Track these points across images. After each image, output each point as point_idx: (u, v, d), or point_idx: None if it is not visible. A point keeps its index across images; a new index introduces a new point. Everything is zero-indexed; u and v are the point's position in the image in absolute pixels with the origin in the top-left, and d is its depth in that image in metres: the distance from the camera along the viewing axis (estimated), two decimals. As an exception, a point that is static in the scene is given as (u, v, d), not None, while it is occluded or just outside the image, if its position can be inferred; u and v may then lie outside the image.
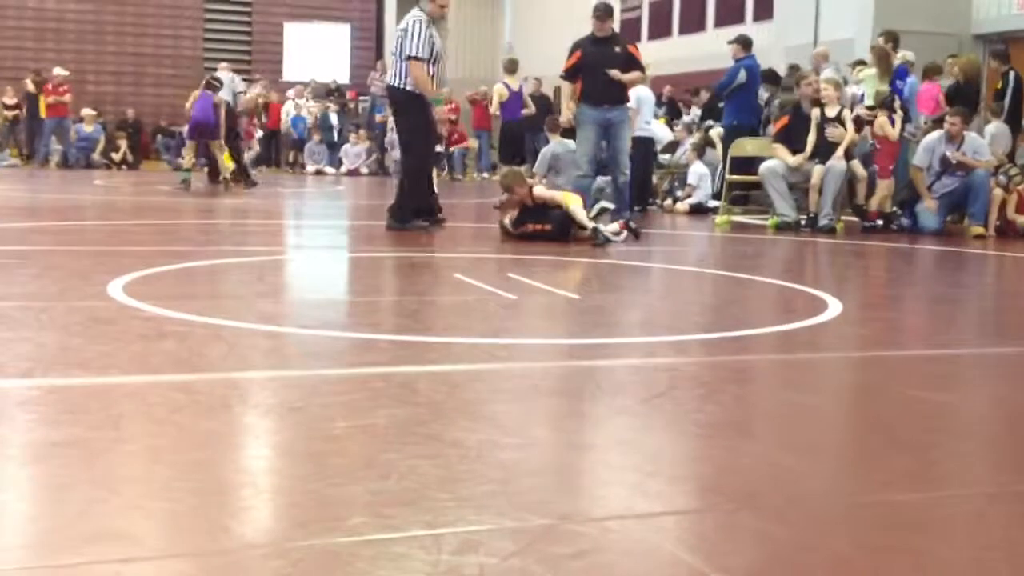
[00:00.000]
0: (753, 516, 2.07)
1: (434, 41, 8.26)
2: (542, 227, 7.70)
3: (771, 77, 12.28)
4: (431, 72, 8.26)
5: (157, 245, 6.95)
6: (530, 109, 15.58)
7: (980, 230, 9.19)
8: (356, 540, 1.85)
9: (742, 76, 11.75)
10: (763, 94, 12.12)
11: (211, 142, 13.75)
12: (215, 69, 14.79)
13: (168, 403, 2.77)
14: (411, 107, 8.30)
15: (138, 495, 2.08)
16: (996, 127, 10.41)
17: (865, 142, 9.99)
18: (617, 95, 9.02)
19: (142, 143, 22.00)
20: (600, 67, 8.92)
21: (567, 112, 9.26)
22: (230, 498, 2.09)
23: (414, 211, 8.35)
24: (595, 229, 7.67)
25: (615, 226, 7.97)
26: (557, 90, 20.09)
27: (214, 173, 14.10)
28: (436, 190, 8.91)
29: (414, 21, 8.26)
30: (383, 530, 1.89)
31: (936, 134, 9.53)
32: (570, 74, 9.16)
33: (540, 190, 8.08)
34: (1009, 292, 6.39)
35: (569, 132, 10.52)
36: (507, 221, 7.80)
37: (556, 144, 11.06)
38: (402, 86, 8.24)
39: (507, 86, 15.12)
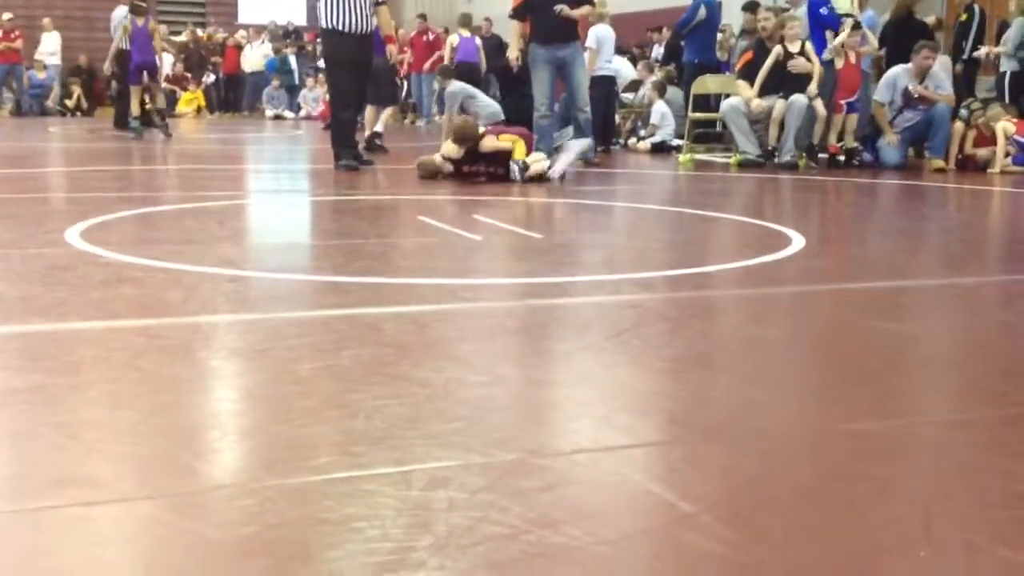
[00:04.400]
0: (720, 448, 2.09)
1: None
2: (493, 170, 7.74)
3: (752, 8, 12.13)
4: (344, 5, 8.27)
5: (114, 192, 6.85)
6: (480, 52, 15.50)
7: (940, 164, 9.26)
8: (325, 479, 1.84)
9: (702, 13, 11.67)
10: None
11: (153, 84, 12.94)
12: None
13: (129, 348, 2.74)
14: (337, 44, 8.40)
15: (101, 440, 2.06)
16: (941, 60, 10.42)
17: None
18: (568, 32, 8.95)
19: (96, 89, 21.62)
20: (550, 5, 8.82)
21: (514, 51, 9.16)
22: (196, 441, 2.07)
23: (346, 149, 8.49)
24: (548, 167, 7.72)
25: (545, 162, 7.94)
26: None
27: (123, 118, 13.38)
28: (373, 128, 9.01)
29: None
30: (352, 468, 1.88)
31: (898, 68, 9.55)
32: (518, 13, 9.03)
33: (488, 143, 7.99)
34: (967, 224, 6.45)
35: (509, 76, 10.48)
36: (452, 153, 7.79)
37: (451, 86, 11.05)
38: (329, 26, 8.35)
39: (460, 36, 15.23)
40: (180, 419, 2.20)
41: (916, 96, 9.29)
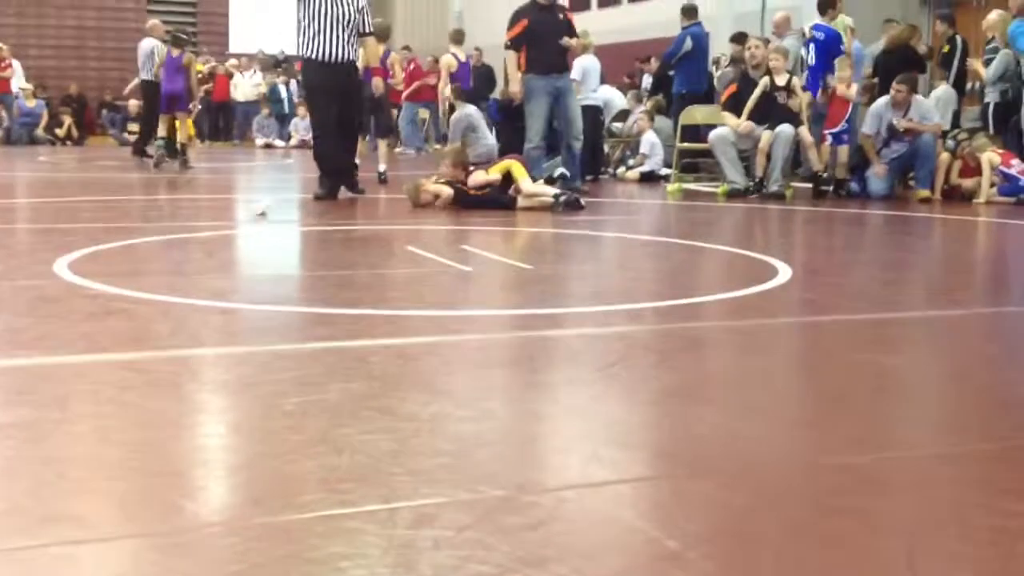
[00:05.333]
0: (708, 483, 2.09)
1: (317, 4, 8.19)
2: (483, 192, 7.82)
3: (740, 39, 12.20)
4: (323, 35, 8.19)
5: (104, 222, 6.85)
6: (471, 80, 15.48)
7: (926, 194, 9.31)
8: (310, 516, 1.84)
9: (688, 44, 11.78)
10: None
11: (179, 114, 12.91)
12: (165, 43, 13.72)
13: (117, 382, 2.73)
14: (314, 75, 8.43)
15: (88, 476, 2.06)
16: (943, 91, 10.52)
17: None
18: (564, 63, 9.09)
19: (87, 118, 21.64)
20: (548, 35, 8.87)
21: (516, 84, 9.15)
22: (182, 477, 2.07)
23: (329, 179, 8.45)
24: (556, 196, 7.73)
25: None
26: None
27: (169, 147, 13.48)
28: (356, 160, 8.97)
29: None
30: (337, 505, 1.88)
31: (883, 100, 9.62)
32: (516, 43, 9.05)
33: (476, 178, 8.03)
34: (953, 255, 6.48)
35: (509, 109, 10.51)
36: (520, 200, 7.82)
37: (460, 110, 11.22)
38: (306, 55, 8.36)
39: (455, 57, 14.99)
40: (166, 455, 2.19)
41: (902, 129, 9.36)
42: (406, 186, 8.13)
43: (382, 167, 10.68)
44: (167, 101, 12.46)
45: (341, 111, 8.41)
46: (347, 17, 8.25)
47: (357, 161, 9.11)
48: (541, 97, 8.98)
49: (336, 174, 8.53)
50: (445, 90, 14.38)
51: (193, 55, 13.39)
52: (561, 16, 9.26)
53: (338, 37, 8.23)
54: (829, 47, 9.82)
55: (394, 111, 17.77)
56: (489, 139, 11.00)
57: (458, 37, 15.10)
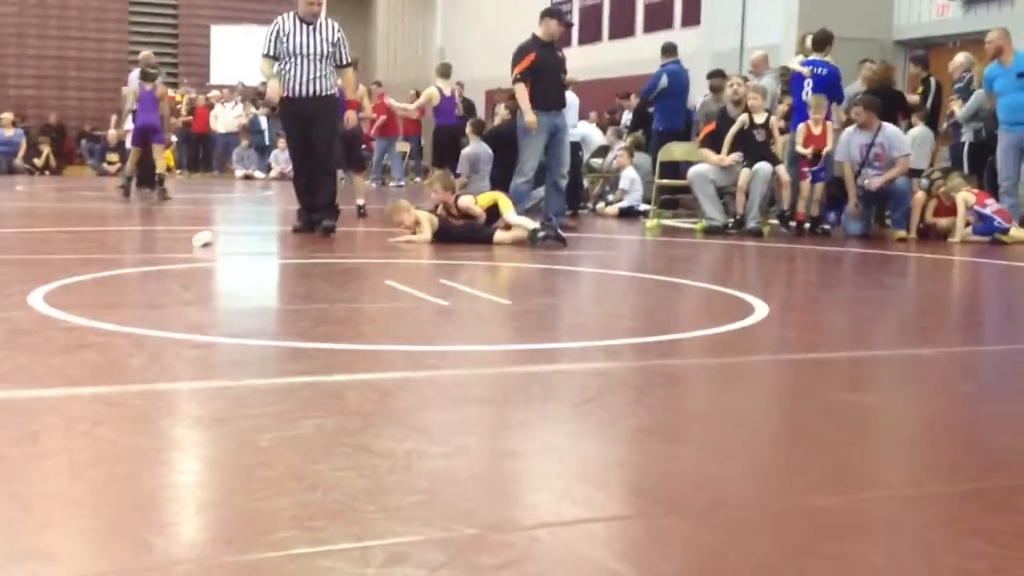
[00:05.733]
0: (682, 522, 2.09)
1: (285, 38, 8.15)
2: (465, 223, 7.85)
3: (717, 76, 12.30)
4: (288, 69, 8.16)
5: (80, 253, 6.82)
6: (459, 110, 15.53)
7: (903, 234, 9.40)
8: (282, 555, 1.83)
9: (663, 81, 11.92)
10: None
11: (155, 146, 13.01)
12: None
13: (89, 416, 2.71)
14: (280, 109, 8.48)
15: (59, 512, 2.04)
16: (919, 131, 10.65)
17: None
18: (564, 100, 9.28)
19: (66, 148, 21.59)
20: (552, 72, 9.06)
21: (531, 115, 9.13)
22: (154, 514, 2.05)
23: (305, 212, 8.40)
24: (534, 231, 7.77)
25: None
26: (489, 94, 20.18)
27: (147, 178, 13.60)
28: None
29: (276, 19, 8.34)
30: (309, 544, 1.87)
31: (851, 127, 9.77)
32: (525, 76, 9.14)
33: (465, 201, 8.09)
34: (928, 294, 6.54)
35: (501, 144, 10.56)
36: (495, 236, 7.85)
37: (476, 145, 11.29)
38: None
39: (440, 91, 15.02)
40: (138, 491, 2.18)
41: (874, 190, 9.43)
42: (388, 207, 8.17)
43: (360, 200, 10.69)
44: (141, 134, 12.63)
45: (315, 146, 8.31)
46: (317, 51, 8.16)
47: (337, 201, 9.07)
48: (541, 132, 9.09)
49: (308, 208, 8.45)
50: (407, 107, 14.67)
51: (165, 86, 13.48)
52: (560, 54, 9.45)
53: (305, 71, 8.13)
54: (830, 82, 9.98)
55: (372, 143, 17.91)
56: (485, 182, 11.00)
57: (445, 71, 15.15)
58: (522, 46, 9.36)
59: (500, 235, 7.83)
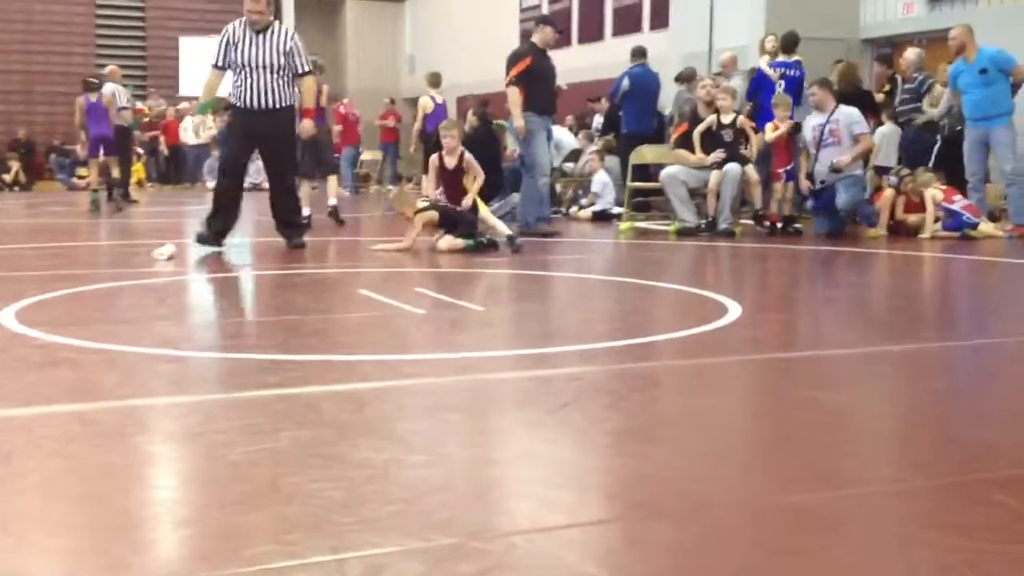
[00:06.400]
0: (660, 525, 2.09)
1: (234, 48, 7.83)
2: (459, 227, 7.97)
3: (690, 77, 12.33)
4: (238, 83, 7.91)
5: (51, 269, 6.76)
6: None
7: (874, 232, 9.46)
8: (257, 570, 1.81)
9: (625, 84, 12.00)
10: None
11: (110, 158, 12.96)
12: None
13: (62, 434, 2.69)
14: (233, 120, 8.42)
15: (32, 532, 2.02)
16: (887, 128, 10.72)
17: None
18: (554, 105, 9.66)
19: (35, 163, 21.42)
20: (545, 78, 9.33)
21: (520, 120, 9.27)
22: (129, 532, 2.03)
23: (216, 227, 7.97)
24: (510, 237, 7.84)
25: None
26: (460, 101, 20.17)
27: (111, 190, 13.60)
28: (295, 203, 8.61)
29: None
30: (286, 557, 1.86)
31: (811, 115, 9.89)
32: (521, 80, 9.31)
33: (469, 155, 8.45)
34: (899, 291, 6.58)
35: (484, 150, 10.63)
36: (438, 243, 7.85)
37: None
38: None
39: (432, 99, 15.03)
40: (113, 509, 2.16)
41: (839, 169, 9.45)
42: (394, 193, 8.18)
43: (332, 200, 10.62)
44: (95, 145, 12.59)
45: (271, 159, 8.06)
46: (267, 62, 7.80)
47: (306, 211, 9.00)
48: (541, 133, 9.44)
49: (224, 216, 8.00)
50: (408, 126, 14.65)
51: (111, 95, 13.34)
52: (551, 61, 9.68)
53: (257, 83, 7.81)
54: (801, 83, 10.16)
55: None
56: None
57: (436, 80, 15.22)
58: (518, 51, 9.55)
59: (443, 242, 7.84)
